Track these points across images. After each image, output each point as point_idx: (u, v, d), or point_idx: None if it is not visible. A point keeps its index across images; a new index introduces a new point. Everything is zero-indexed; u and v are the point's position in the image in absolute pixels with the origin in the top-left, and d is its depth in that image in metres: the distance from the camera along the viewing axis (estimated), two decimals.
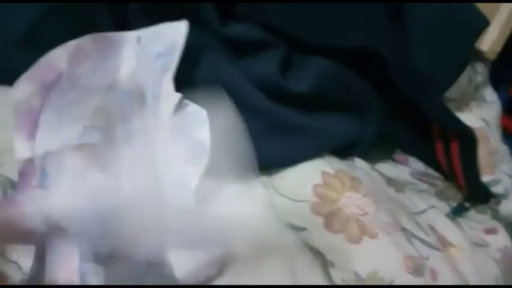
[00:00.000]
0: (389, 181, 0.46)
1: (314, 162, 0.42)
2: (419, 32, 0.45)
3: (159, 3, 0.39)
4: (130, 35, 0.38)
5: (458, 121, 0.43)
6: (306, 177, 0.41)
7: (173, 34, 0.37)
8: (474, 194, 0.46)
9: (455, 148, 0.44)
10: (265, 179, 0.42)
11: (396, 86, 0.40)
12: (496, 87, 0.65)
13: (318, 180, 0.41)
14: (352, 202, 0.40)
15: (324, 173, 0.41)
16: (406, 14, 0.44)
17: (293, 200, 0.40)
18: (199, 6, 0.40)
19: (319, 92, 0.41)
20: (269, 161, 0.41)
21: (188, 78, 0.40)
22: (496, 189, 0.52)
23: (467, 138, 0.43)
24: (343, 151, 0.44)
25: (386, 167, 0.49)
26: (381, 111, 0.45)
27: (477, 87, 0.61)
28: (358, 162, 0.46)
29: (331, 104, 0.42)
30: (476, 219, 0.50)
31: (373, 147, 0.48)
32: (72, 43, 0.36)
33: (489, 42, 0.59)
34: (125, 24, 0.39)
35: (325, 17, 0.40)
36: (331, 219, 0.39)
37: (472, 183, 0.45)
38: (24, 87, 0.37)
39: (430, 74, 0.45)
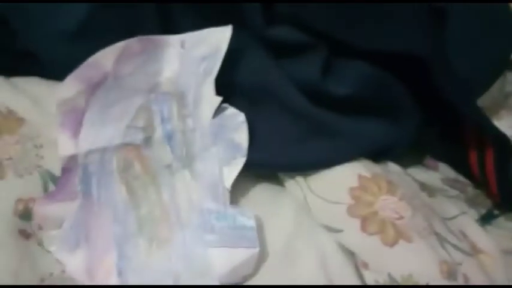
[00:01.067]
0: (422, 185, 0.47)
1: (350, 164, 0.42)
2: (459, 35, 0.45)
3: (205, 4, 0.40)
4: (175, 39, 0.39)
5: (496, 128, 0.44)
6: (343, 179, 0.42)
7: (217, 39, 0.38)
8: (507, 203, 0.46)
9: (490, 156, 0.45)
10: (301, 180, 0.43)
11: (436, 89, 0.41)
12: None
13: (355, 183, 0.41)
14: (388, 205, 0.40)
15: (360, 176, 0.42)
16: (448, 16, 0.45)
17: (329, 201, 0.41)
18: (245, 7, 0.41)
19: (358, 95, 0.41)
20: (307, 163, 0.42)
21: (231, 80, 0.41)
22: None
23: (504, 146, 0.43)
24: (378, 155, 0.45)
25: (418, 172, 0.50)
26: (417, 114, 0.45)
27: (507, 96, 0.62)
28: (392, 166, 0.47)
29: (370, 107, 0.43)
30: (506, 226, 0.50)
31: (405, 152, 0.49)
32: (120, 44, 0.37)
33: None
34: (171, 24, 0.40)
35: (367, 19, 0.41)
36: (367, 221, 0.39)
37: (505, 192, 0.45)
38: (71, 86, 0.38)
39: (467, 76, 0.46)
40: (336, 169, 0.42)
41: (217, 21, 0.40)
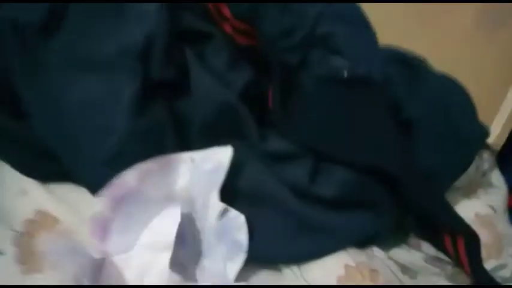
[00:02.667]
0: (404, 268, 0.53)
1: (338, 255, 0.49)
2: (427, 145, 0.53)
3: (214, 128, 0.49)
4: (186, 156, 0.47)
5: (461, 223, 0.50)
6: (331, 269, 0.48)
7: (221, 156, 0.46)
8: (480, 284, 0.52)
9: (461, 242, 0.51)
10: (295, 269, 0.49)
11: (405, 194, 0.48)
12: (503, 169, 0.72)
13: (342, 272, 0.48)
14: None
15: (346, 266, 0.48)
16: (416, 131, 0.53)
17: None
18: (245, 126, 0.49)
19: (342, 196, 0.49)
20: (299, 255, 0.49)
21: (235, 186, 0.49)
22: (503, 273, 0.58)
23: (471, 237, 0.50)
24: (364, 243, 0.52)
25: (401, 253, 0.56)
26: (395, 207, 0.52)
27: (484, 174, 0.68)
28: (376, 251, 0.53)
29: (354, 204, 0.50)
30: None
31: (391, 233, 0.55)
32: (142, 165, 0.45)
33: (493, 137, 0.66)
34: (187, 144, 0.48)
35: (345, 138, 0.49)
36: None
37: (477, 275, 0.51)
38: (101, 202, 0.45)
39: (436, 175, 0.53)
40: (325, 259, 0.49)
41: (224, 140, 0.48)
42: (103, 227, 0.46)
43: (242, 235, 0.46)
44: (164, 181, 0.47)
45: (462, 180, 0.63)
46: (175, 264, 0.44)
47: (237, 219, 0.47)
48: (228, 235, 0.47)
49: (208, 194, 0.47)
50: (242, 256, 0.46)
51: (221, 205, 0.46)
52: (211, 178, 0.47)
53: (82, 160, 0.46)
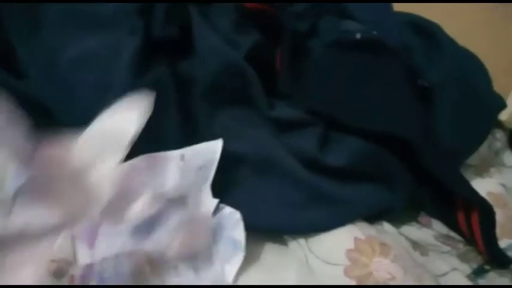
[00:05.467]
0: (415, 245, 0.51)
1: (347, 228, 0.47)
2: (445, 113, 0.50)
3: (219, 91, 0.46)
4: (175, 154, 0.44)
5: (477, 195, 0.48)
6: (340, 242, 0.46)
7: (211, 151, 0.44)
8: (493, 260, 0.49)
9: (475, 217, 0.49)
10: (302, 242, 0.47)
11: (421, 164, 0.46)
12: None
13: (351, 245, 0.45)
14: (381, 267, 0.44)
15: (356, 239, 0.46)
16: (434, 98, 0.50)
17: (328, 263, 0.45)
18: (253, 91, 0.46)
19: (353, 166, 0.46)
20: (307, 227, 0.46)
21: (236, 152, 0.46)
22: None
23: (486, 210, 0.48)
24: (374, 217, 0.49)
25: (412, 230, 0.54)
26: (410, 180, 0.50)
27: (497, 153, 0.66)
28: (387, 226, 0.51)
29: (365, 176, 0.48)
30: (497, 281, 0.53)
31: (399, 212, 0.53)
32: (127, 163, 0.42)
33: (507, 113, 0.64)
34: (189, 107, 0.46)
35: (359, 103, 0.46)
36: (363, 282, 0.43)
37: (491, 251, 0.49)
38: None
39: (453, 147, 0.51)
40: (334, 232, 0.47)
41: (229, 104, 0.45)
42: (91, 232, 0.43)
43: (239, 233, 0.43)
44: (152, 180, 0.44)
45: (475, 159, 0.61)
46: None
47: (233, 216, 0.43)
48: (223, 234, 0.43)
49: (200, 190, 0.44)
50: (240, 256, 0.42)
51: (214, 201, 0.43)
52: (202, 174, 0.44)
53: (78, 116, 0.43)
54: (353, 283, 0.44)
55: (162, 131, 0.44)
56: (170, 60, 0.47)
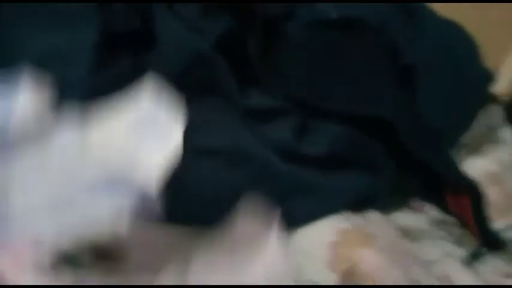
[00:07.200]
0: (405, 232, 0.49)
1: (330, 219, 0.45)
2: (429, 92, 0.48)
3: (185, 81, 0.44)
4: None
5: (465, 179, 0.46)
6: (323, 234, 0.44)
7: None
8: (487, 243, 0.47)
9: (466, 200, 0.47)
10: (284, 235, 0.45)
11: (405, 148, 0.43)
12: None
13: (334, 237, 0.43)
14: (366, 258, 0.42)
15: (339, 230, 0.44)
16: (416, 78, 0.48)
17: (311, 256, 0.43)
18: (222, 80, 0.44)
19: (333, 154, 0.44)
20: (289, 220, 0.44)
21: (210, 144, 0.44)
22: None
23: (476, 192, 0.45)
24: (359, 206, 0.47)
25: (403, 216, 0.51)
26: (394, 166, 0.47)
27: (491, 129, 0.63)
28: (374, 214, 0.49)
29: (347, 163, 0.46)
30: (494, 264, 0.51)
31: (390, 195, 0.51)
32: None
33: (501, 87, 0.61)
34: None
35: (338, 86, 0.44)
36: (347, 275, 0.41)
37: (483, 233, 0.47)
38: None
39: (442, 127, 0.48)
40: (316, 223, 0.44)
41: (197, 95, 0.43)
42: None
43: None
44: None
45: (468, 137, 0.59)
46: None
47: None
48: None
49: None
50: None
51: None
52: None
53: None
54: (337, 276, 0.42)
55: None
56: (134, 53, 0.45)
